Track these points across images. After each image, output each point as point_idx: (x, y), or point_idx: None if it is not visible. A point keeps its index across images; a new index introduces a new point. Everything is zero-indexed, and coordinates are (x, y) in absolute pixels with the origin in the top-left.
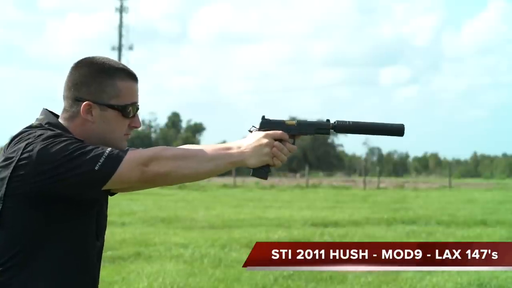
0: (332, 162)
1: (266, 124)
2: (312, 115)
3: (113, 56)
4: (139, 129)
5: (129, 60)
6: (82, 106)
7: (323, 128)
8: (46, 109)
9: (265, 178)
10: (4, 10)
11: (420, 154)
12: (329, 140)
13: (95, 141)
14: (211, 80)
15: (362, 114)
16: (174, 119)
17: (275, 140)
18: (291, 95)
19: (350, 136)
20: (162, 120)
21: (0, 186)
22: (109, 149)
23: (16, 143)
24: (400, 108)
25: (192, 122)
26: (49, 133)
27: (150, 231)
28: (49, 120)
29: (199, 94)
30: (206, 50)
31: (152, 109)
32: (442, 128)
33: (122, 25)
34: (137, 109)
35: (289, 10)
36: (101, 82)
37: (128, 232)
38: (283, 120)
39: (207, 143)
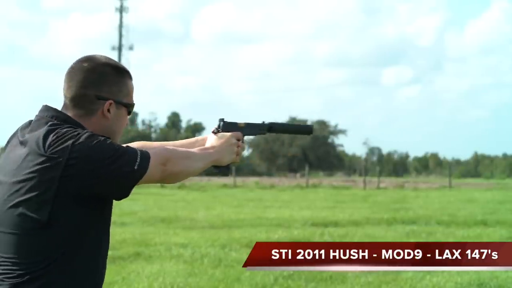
0: (332, 162)
1: (228, 126)
2: (314, 115)
3: (113, 56)
4: (140, 128)
5: (129, 60)
6: (106, 104)
7: (262, 129)
8: (49, 106)
9: (227, 175)
10: (7, 10)
11: (420, 154)
12: (329, 140)
13: (104, 135)
14: (213, 80)
15: (364, 114)
16: (174, 119)
17: (237, 140)
18: (293, 95)
19: (350, 136)
20: (162, 120)
21: (50, 186)
22: (135, 148)
23: (56, 142)
24: (402, 108)
25: (192, 122)
26: (87, 132)
27: (150, 231)
28: (63, 117)
29: (201, 94)
30: (209, 50)
31: (153, 109)
32: (443, 128)
33: (122, 25)
34: None
35: (292, 10)
36: (118, 81)
37: (128, 232)
38: (236, 123)
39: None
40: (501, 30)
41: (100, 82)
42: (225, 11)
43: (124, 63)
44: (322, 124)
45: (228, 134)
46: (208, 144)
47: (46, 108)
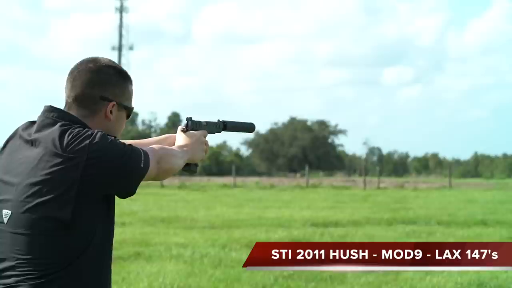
0: (332, 162)
1: (196, 125)
2: (314, 115)
3: (113, 56)
4: (140, 128)
5: (129, 60)
6: (109, 105)
7: (220, 127)
8: (54, 106)
9: (195, 173)
10: (9, 10)
11: (420, 154)
12: (329, 140)
13: None
14: (214, 80)
15: (365, 114)
16: (174, 119)
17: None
18: (294, 95)
19: (350, 136)
20: (162, 120)
21: (71, 186)
22: (138, 147)
23: (73, 142)
24: (402, 108)
25: None
26: (100, 132)
27: (150, 231)
28: (70, 118)
29: (202, 94)
30: (209, 50)
31: (153, 109)
32: (443, 128)
33: (122, 25)
34: None
35: (293, 10)
36: (121, 85)
37: (128, 232)
38: (201, 122)
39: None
40: (502, 30)
41: (105, 83)
42: (226, 11)
43: (124, 63)
44: (322, 124)
45: (198, 132)
46: (178, 142)
47: (51, 109)
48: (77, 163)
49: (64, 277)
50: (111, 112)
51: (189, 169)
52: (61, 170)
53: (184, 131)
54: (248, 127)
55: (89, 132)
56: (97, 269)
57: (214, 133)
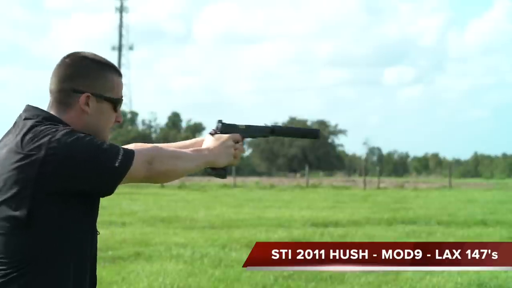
0: (332, 162)
1: (226, 128)
2: (315, 115)
3: (113, 56)
4: (140, 128)
5: (129, 60)
6: (82, 97)
7: (265, 132)
8: (31, 105)
9: (224, 177)
10: (10, 10)
11: (420, 154)
12: (329, 140)
13: (87, 132)
14: (215, 80)
15: (365, 114)
16: (174, 119)
17: (235, 142)
18: (294, 95)
19: (350, 136)
20: (162, 120)
21: (27, 184)
22: (119, 146)
23: (33, 139)
24: (402, 108)
25: (192, 122)
26: (66, 129)
27: (150, 231)
28: (44, 115)
29: (202, 94)
30: (210, 50)
31: (154, 109)
32: (443, 128)
33: (122, 25)
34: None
35: (294, 10)
36: (97, 75)
37: (128, 232)
38: (235, 124)
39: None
40: (503, 30)
41: (76, 75)
42: (227, 11)
43: (124, 63)
44: (322, 124)
45: (225, 136)
46: (204, 145)
47: (28, 108)
48: (34, 160)
49: (27, 275)
50: (88, 105)
51: (216, 173)
52: (19, 168)
53: (212, 134)
54: (307, 133)
55: (53, 129)
56: (68, 271)
57: (255, 137)
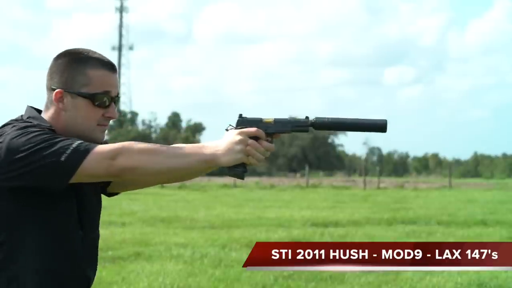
0: (332, 162)
1: (242, 122)
2: (315, 115)
3: (113, 56)
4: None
5: (129, 60)
6: (54, 93)
7: (301, 126)
8: (29, 106)
9: (241, 178)
10: (11, 10)
11: (420, 154)
12: (329, 140)
13: (70, 130)
14: (216, 80)
15: (366, 114)
16: (174, 119)
17: (251, 138)
18: (295, 95)
19: (350, 136)
20: (162, 120)
21: None
22: (78, 141)
23: None
24: (403, 108)
25: (192, 122)
26: (21, 124)
27: (150, 231)
28: (30, 114)
29: (203, 94)
30: (211, 50)
31: (154, 109)
32: (444, 128)
33: (122, 25)
34: (112, 98)
35: (295, 10)
36: (72, 70)
37: (128, 232)
38: (260, 118)
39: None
40: (503, 30)
41: (53, 72)
42: (228, 11)
43: (124, 63)
44: None
45: (234, 131)
46: (211, 142)
47: (26, 109)
48: None
49: None
50: (62, 101)
51: (232, 173)
52: None
53: (227, 130)
54: (368, 126)
55: (12, 125)
56: (33, 270)
57: (287, 132)
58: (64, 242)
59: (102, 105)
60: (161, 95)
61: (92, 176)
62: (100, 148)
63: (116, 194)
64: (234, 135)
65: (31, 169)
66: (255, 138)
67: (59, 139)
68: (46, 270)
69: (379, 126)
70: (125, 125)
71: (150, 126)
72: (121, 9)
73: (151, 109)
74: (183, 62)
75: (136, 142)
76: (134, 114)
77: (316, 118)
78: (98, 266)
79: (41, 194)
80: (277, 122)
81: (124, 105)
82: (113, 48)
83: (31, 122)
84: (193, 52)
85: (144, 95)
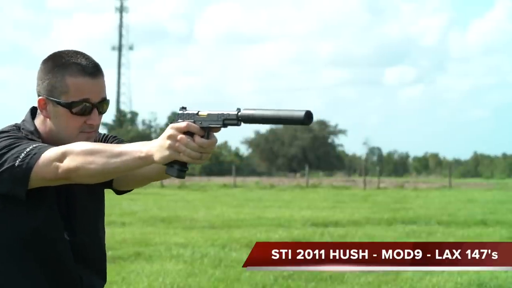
0: (332, 162)
1: (180, 116)
2: (316, 114)
3: (113, 56)
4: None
5: (129, 60)
6: (38, 100)
7: (231, 119)
8: (32, 107)
9: (178, 177)
10: (11, 10)
11: (420, 154)
12: (329, 140)
13: (53, 136)
14: (217, 80)
15: (366, 114)
16: (174, 119)
17: (183, 133)
18: (296, 95)
19: (350, 136)
20: (162, 120)
21: None
22: (33, 145)
23: None
24: (403, 108)
25: None
26: (1, 130)
27: (150, 231)
28: (25, 117)
29: (204, 94)
30: (212, 50)
31: (155, 109)
32: (444, 128)
33: (122, 25)
34: (93, 105)
35: (296, 10)
36: (52, 77)
37: (128, 232)
38: (197, 111)
39: None
40: (504, 30)
41: (39, 77)
42: (229, 11)
43: (124, 63)
44: (322, 124)
45: (171, 125)
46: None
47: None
48: None
49: None
50: (44, 108)
51: (168, 172)
52: None
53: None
54: (288, 118)
55: None
56: (16, 275)
57: (221, 126)
58: (47, 248)
59: (82, 113)
60: (162, 95)
61: (46, 180)
62: (50, 151)
63: (129, 191)
64: (166, 130)
65: None
66: (190, 133)
67: (18, 144)
68: (28, 277)
69: (296, 119)
70: (125, 125)
71: (150, 126)
72: (121, 9)
73: (151, 109)
74: (185, 62)
75: (80, 143)
76: (134, 114)
77: (244, 109)
78: None
79: (14, 200)
80: (210, 115)
81: (124, 105)
82: (113, 48)
83: (17, 127)
84: (194, 52)
85: (145, 95)
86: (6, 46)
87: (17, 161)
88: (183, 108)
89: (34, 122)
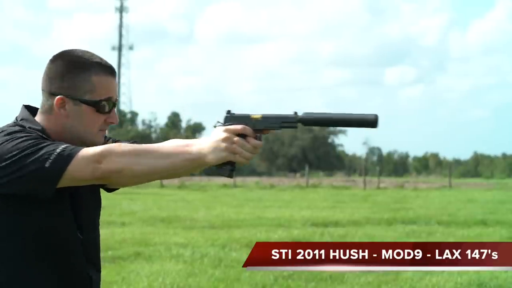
0: (332, 162)
1: (230, 119)
2: None
3: (113, 55)
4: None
5: (129, 60)
6: (55, 100)
7: (290, 121)
8: (24, 105)
9: (228, 176)
10: (12, 10)
11: (420, 154)
12: (329, 140)
13: (70, 136)
14: (217, 80)
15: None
16: (174, 119)
17: (238, 135)
18: (297, 95)
19: (351, 136)
20: (162, 120)
21: None
22: (63, 146)
23: None
24: (403, 108)
25: (192, 122)
26: (10, 129)
27: (150, 231)
28: (23, 116)
29: (204, 94)
30: (213, 50)
31: (155, 109)
32: (444, 128)
33: (122, 25)
34: (114, 104)
35: (296, 10)
36: (74, 76)
37: (128, 232)
38: (248, 114)
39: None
40: (504, 30)
41: (53, 77)
42: (229, 11)
43: (124, 63)
44: None
45: (220, 128)
46: (198, 140)
47: (20, 109)
48: None
49: None
50: (64, 107)
51: (219, 172)
52: None
53: (215, 126)
54: (357, 121)
55: (1, 131)
56: (26, 278)
57: (276, 129)
58: (62, 247)
59: (107, 111)
60: (162, 95)
61: (78, 181)
62: (85, 152)
63: (117, 189)
64: (220, 133)
65: (18, 176)
66: (243, 135)
67: (44, 144)
68: (42, 279)
69: (369, 121)
70: (125, 125)
71: (150, 126)
72: (121, 9)
73: (151, 109)
74: (185, 62)
75: (120, 144)
76: (134, 114)
77: (305, 113)
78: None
79: (32, 200)
80: (265, 118)
81: (124, 105)
82: (113, 48)
83: (22, 126)
84: (194, 52)
85: (144, 95)
86: (6, 46)
87: (47, 163)
88: (229, 112)
89: (36, 121)
